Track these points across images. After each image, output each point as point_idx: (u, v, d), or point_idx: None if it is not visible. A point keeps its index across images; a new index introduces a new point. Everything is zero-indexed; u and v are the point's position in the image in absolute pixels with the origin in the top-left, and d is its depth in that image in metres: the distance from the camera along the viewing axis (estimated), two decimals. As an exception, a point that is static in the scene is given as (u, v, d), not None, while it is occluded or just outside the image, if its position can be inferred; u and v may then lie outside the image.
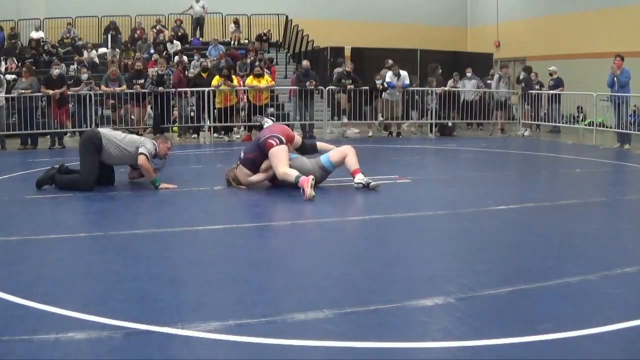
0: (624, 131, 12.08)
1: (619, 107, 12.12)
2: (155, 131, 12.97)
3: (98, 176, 6.98)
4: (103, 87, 12.50)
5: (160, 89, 12.64)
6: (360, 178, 6.85)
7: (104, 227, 5.38)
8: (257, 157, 6.91)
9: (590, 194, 7.37)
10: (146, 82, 12.72)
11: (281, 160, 6.67)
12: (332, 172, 7.06)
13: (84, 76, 12.76)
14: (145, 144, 6.97)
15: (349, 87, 13.83)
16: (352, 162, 6.93)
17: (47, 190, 6.85)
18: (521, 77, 14.99)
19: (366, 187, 6.81)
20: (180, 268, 4.11)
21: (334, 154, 7.00)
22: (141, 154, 6.90)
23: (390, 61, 14.64)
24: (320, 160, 6.98)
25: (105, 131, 7.16)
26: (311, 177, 6.38)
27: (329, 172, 7.04)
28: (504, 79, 14.94)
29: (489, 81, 15.23)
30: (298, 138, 7.35)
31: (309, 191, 6.23)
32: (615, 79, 12.07)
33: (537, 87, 14.59)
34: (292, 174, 6.53)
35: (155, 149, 7.10)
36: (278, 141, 6.74)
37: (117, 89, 12.44)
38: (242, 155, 7.07)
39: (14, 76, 13.59)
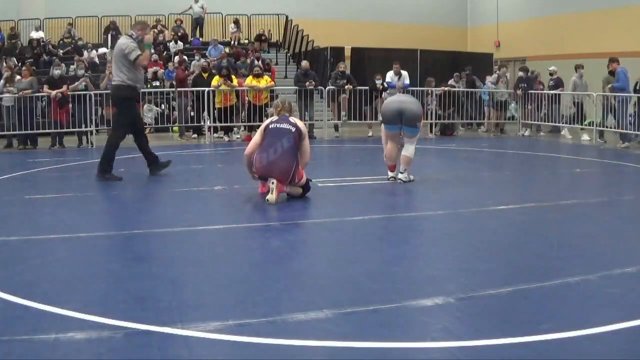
0: (625, 131, 12.04)
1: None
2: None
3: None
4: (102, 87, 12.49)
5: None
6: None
7: (104, 227, 5.38)
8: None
9: (590, 194, 7.37)
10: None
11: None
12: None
13: (81, 72, 12.83)
14: (128, 46, 7.44)
15: (346, 87, 13.82)
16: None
17: (47, 190, 6.85)
18: (519, 75, 14.94)
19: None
20: (180, 268, 4.10)
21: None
22: (133, 58, 7.46)
23: (398, 65, 14.34)
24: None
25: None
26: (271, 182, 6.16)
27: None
28: (502, 79, 14.92)
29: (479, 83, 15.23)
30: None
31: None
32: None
33: (540, 87, 14.56)
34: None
35: (137, 39, 7.57)
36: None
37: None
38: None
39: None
